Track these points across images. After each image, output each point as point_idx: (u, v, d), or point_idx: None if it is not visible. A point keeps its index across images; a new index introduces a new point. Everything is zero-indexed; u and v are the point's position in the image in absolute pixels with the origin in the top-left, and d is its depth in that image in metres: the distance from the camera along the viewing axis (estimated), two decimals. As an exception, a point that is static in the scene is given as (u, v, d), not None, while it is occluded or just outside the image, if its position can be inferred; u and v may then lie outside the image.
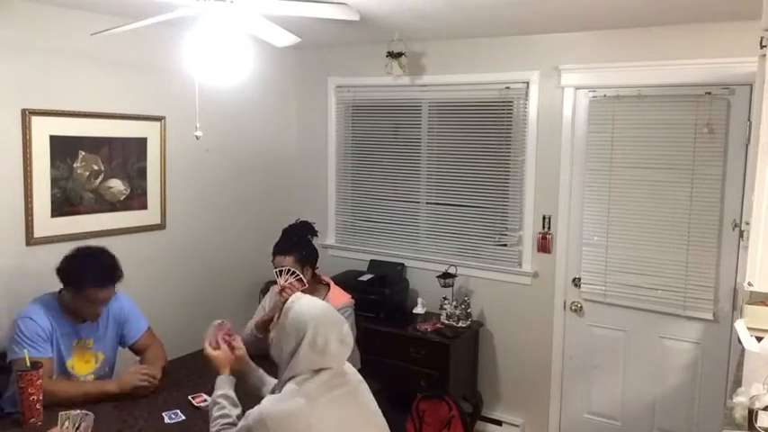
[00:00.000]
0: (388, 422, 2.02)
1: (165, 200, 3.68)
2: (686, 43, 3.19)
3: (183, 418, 2.37)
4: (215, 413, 2.07)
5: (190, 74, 2.48)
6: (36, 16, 2.99)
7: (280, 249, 3.04)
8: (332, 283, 3.18)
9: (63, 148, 3.16)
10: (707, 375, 3.33)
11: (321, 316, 1.91)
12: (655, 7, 2.87)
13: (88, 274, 2.50)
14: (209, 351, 2.24)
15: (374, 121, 4.27)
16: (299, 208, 4.51)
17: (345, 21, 2.80)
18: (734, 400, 1.90)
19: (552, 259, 3.70)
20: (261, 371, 2.29)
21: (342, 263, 4.14)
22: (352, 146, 4.37)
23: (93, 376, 2.65)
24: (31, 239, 3.05)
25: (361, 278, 4.01)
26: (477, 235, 3.94)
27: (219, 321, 2.31)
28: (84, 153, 3.26)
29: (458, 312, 3.77)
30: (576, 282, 3.65)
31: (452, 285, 3.82)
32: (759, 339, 2.10)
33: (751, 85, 2.92)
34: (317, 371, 1.87)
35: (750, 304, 2.36)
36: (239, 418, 1.99)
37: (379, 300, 3.82)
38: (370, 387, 2.03)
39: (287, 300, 2.78)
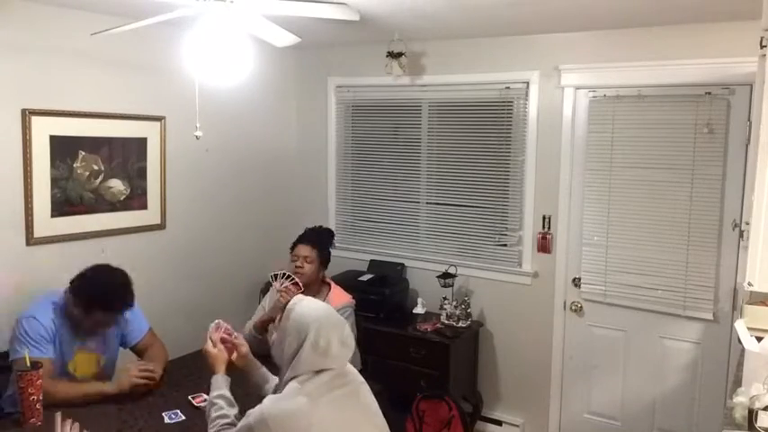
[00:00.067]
0: (388, 422, 2.02)
1: (165, 200, 3.68)
2: (686, 43, 3.19)
3: (183, 418, 2.37)
4: (213, 414, 2.07)
5: (190, 74, 2.48)
6: (36, 16, 2.99)
7: (305, 239, 3.16)
8: (332, 283, 3.20)
9: (63, 148, 3.16)
10: (707, 375, 3.33)
11: (323, 318, 1.91)
12: (655, 7, 2.87)
13: (101, 299, 2.48)
14: (209, 348, 2.25)
15: (374, 121, 4.27)
16: (299, 208, 4.52)
17: (345, 21, 2.80)
18: (734, 400, 1.90)
19: (552, 259, 3.70)
20: (264, 369, 2.29)
21: (342, 263, 4.14)
22: (352, 146, 4.37)
23: (94, 378, 2.65)
24: (31, 239, 3.05)
25: (361, 278, 4.01)
26: (477, 235, 3.94)
27: (217, 322, 2.32)
28: (84, 153, 3.26)
29: (458, 312, 3.77)
30: (576, 282, 3.65)
31: (452, 285, 3.82)
32: (759, 339, 2.10)
33: (751, 85, 2.92)
34: (319, 372, 1.87)
35: (750, 304, 2.36)
36: (237, 417, 1.99)
37: (379, 300, 3.82)
38: (371, 388, 2.03)
39: (285, 303, 2.82)
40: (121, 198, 3.47)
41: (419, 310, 3.99)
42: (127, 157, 3.47)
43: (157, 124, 3.59)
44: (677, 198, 3.31)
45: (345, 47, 4.22)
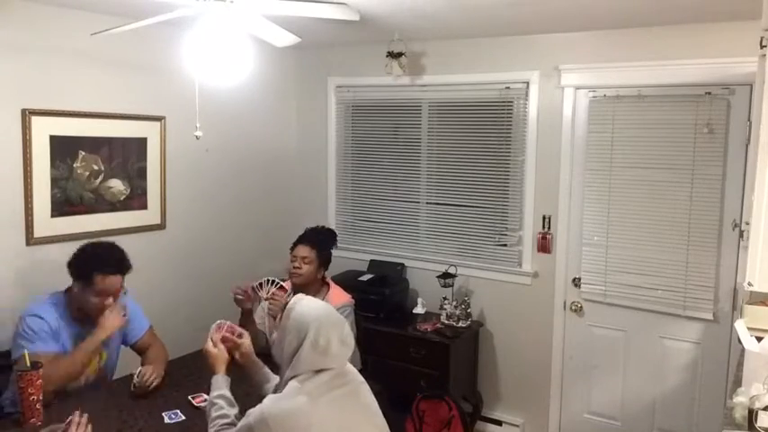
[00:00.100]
0: (387, 422, 2.02)
1: (165, 200, 3.68)
2: (686, 43, 3.19)
3: (183, 418, 2.37)
4: (213, 413, 2.07)
5: (190, 74, 2.48)
6: (36, 16, 2.99)
7: (305, 239, 3.14)
8: (332, 283, 3.20)
9: (63, 148, 3.16)
10: (707, 375, 3.33)
11: (323, 317, 1.92)
12: (655, 7, 2.87)
13: (96, 262, 2.53)
14: (209, 347, 2.25)
15: (374, 121, 4.27)
16: (299, 208, 4.52)
17: (345, 21, 2.80)
18: (734, 400, 1.90)
19: (552, 259, 3.70)
20: (266, 368, 2.30)
21: (342, 263, 4.14)
22: (352, 146, 4.37)
23: (96, 376, 2.65)
24: (31, 239, 3.05)
25: (361, 278, 4.01)
26: (477, 235, 3.94)
27: (219, 322, 2.33)
28: (84, 153, 3.26)
29: (458, 312, 3.77)
30: (576, 282, 3.65)
31: (452, 285, 3.82)
32: (759, 339, 2.10)
33: (751, 85, 2.92)
34: (319, 371, 1.88)
35: (750, 304, 2.36)
36: (237, 417, 2.00)
37: (379, 300, 3.82)
38: (371, 388, 2.03)
39: (276, 308, 2.84)
40: (121, 198, 3.47)
41: (419, 310, 3.99)
42: (127, 157, 3.47)
43: (157, 124, 3.59)
44: (677, 198, 3.31)
45: (345, 47, 4.22)
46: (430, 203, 4.11)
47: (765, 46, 2.15)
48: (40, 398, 2.23)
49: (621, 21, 3.18)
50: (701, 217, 3.27)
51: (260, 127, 4.28)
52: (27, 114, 2.99)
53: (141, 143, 3.53)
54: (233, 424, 1.98)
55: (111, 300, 2.56)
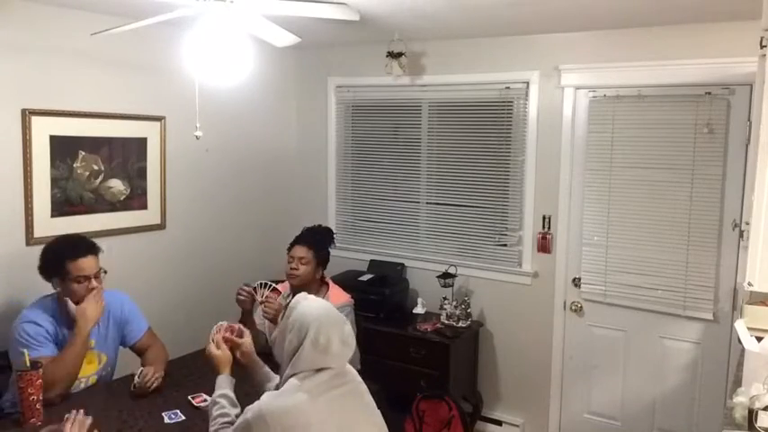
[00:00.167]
0: (387, 422, 2.02)
1: (165, 200, 3.68)
2: (686, 43, 3.19)
3: (183, 418, 2.37)
4: (214, 413, 2.08)
5: (190, 74, 2.48)
6: (36, 16, 2.99)
7: (302, 240, 3.13)
8: (331, 283, 3.20)
9: (63, 148, 3.16)
10: (707, 375, 3.33)
11: (323, 316, 1.92)
12: (655, 7, 2.87)
13: (63, 252, 2.53)
14: (212, 349, 2.25)
15: (374, 121, 4.27)
16: (299, 208, 4.52)
17: (345, 21, 2.80)
18: (734, 400, 1.90)
19: (552, 259, 3.70)
20: (267, 368, 2.30)
21: (342, 263, 4.14)
22: (352, 146, 4.37)
23: (95, 377, 2.65)
24: (31, 239, 3.05)
25: (361, 278, 4.01)
26: (477, 235, 3.94)
27: (220, 324, 2.33)
28: (84, 153, 3.26)
29: (458, 312, 3.77)
30: (576, 282, 3.65)
31: (452, 285, 3.82)
32: (759, 339, 2.10)
33: (751, 85, 2.92)
34: (319, 370, 1.88)
35: (750, 304, 2.36)
36: (238, 417, 1.99)
37: (379, 300, 3.82)
38: (369, 388, 2.03)
39: (268, 312, 2.85)
40: (121, 198, 3.47)
41: (419, 310, 3.99)
42: (127, 157, 3.47)
43: (157, 124, 3.59)
44: (677, 198, 3.31)
45: (345, 47, 4.22)
46: (430, 203, 4.10)
47: (765, 46, 2.15)
48: (40, 398, 2.24)
49: (621, 21, 3.18)
50: (700, 217, 3.27)
51: (260, 127, 4.28)
52: (27, 114, 2.99)
53: (141, 143, 3.53)
54: (233, 423, 1.98)
55: (93, 282, 2.55)
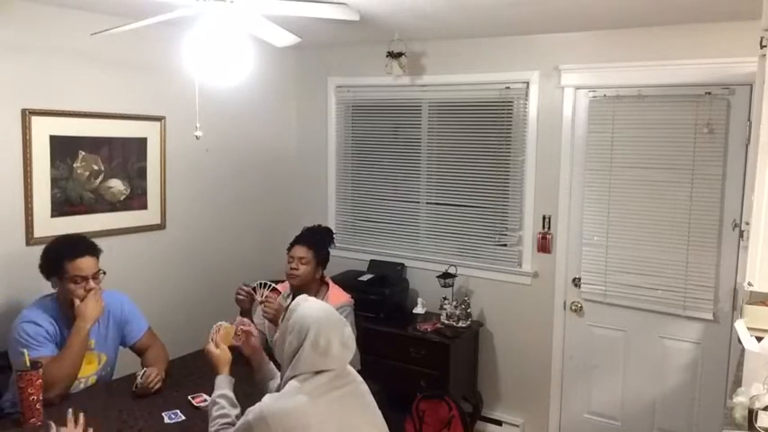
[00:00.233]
0: (387, 422, 2.02)
1: (165, 200, 3.68)
2: (686, 43, 3.19)
3: (183, 418, 2.37)
4: (214, 413, 2.08)
5: (190, 74, 2.48)
6: (36, 16, 2.99)
7: (302, 240, 3.13)
8: (331, 283, 3.20)
9: (63, 148, 3.16)
10: (707, 375, 3.33)
11: (323, 318, 1.92)
12: (655, 7, 2.87)
13: (62, 251, 2.53)
14: (211, 348, 2.26)
15: (374, 121, 4.27)
16: (299, 208, 4.52)
17: (345, 21, 2.80)
18: (734, 400, 1.90)
19: (552, 259, 3.70)
20: (272, 364, 2.31)
21: (342, 263, 4.14)
22: (352, 146, 4.37)
23: (95, 377, 2.65)
24: (31, 239, 3.05)
25: (361, 278, 4.01)
26: (477, 235, 3.94)
27: (220, 323, 2.34)
28: (84, 153, 3.26)
29: (458, 312, 3.77)
30: (576, 282, 3.65)
31: (452, 285, 3.82)
32: (759, 339, 2.10)
33: (751, 85, 2.92)
34: (319, 372, 1.88)
35: (750, 304, 2.36)
36: (238, 417, 2.00)
37: (379, 300, 3.82)
38: (370, 388, 2.03)
39: (268, 312, 2.86)
40: (121, 198, 3.47)
41: (419, 310, 3.99)
42: (127, 157, 3.47)
43: (157, 124, 3.59)
44: (677, 198, 3.31)
45: (345, 47, 4.22)
46: (430, 203, 4.10)
47: (765, 46, 2.15)
48: (40, 398, 2.23)
49: (621, 21, 3.18)
50: (700, 217, 3.27)
51: (260, 127, 4.28)
52: (27, 114, 2.99)
53: (141, 143, 3.53)
54: (233, 424, 1.99)
55: (91, 283, 2.54)
